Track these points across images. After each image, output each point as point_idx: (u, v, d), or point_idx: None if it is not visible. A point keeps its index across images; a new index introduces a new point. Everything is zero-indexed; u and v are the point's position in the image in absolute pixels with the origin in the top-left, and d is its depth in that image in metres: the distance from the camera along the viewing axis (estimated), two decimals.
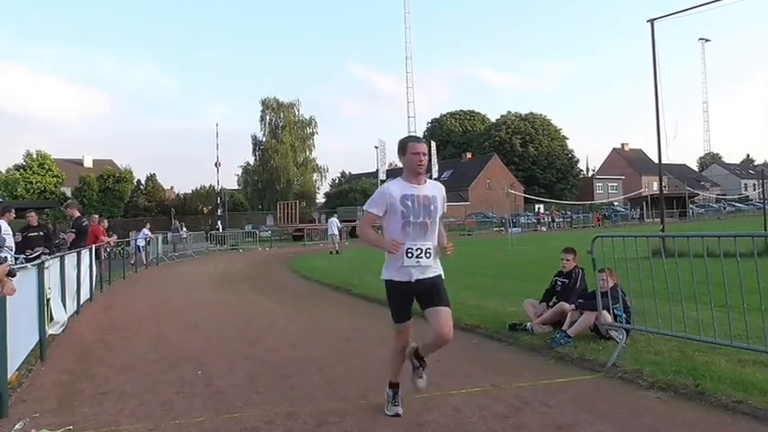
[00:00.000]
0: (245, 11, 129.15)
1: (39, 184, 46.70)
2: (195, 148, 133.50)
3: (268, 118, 64.71)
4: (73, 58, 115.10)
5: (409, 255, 3.94)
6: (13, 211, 9.52)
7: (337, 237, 28.02)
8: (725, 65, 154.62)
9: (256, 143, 64.92)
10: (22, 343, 5.58)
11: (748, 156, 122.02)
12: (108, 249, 15.34)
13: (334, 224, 28.30)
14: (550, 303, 6.78)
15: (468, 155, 73.31)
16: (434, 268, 4.07)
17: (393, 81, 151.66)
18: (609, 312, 5.74)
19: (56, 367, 6.13)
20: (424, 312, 4.05)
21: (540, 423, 3.99)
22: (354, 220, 43.58)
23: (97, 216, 17.47)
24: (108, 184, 49.90)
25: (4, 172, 48.57)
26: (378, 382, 5.05)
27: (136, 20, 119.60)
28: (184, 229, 35.92)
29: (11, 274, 4.47)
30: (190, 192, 67.66)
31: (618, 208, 67.83)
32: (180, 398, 4.86)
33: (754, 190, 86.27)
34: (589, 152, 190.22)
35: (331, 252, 25.88)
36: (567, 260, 6.84)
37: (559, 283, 6.82)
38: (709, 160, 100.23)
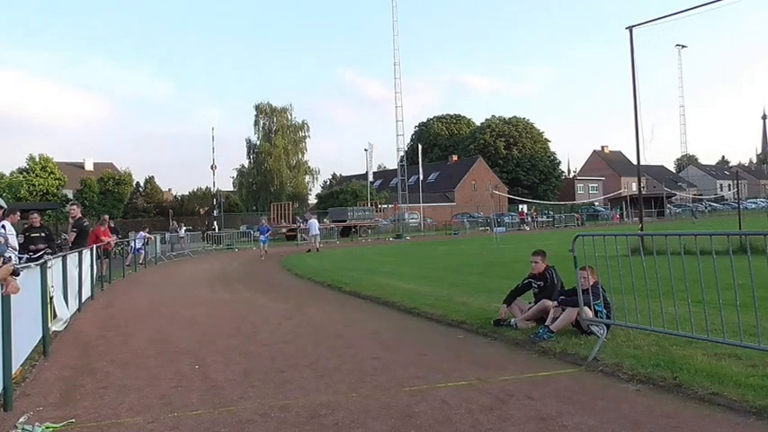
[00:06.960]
0: (240, 20, 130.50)
1: (41, 186, 46.72)
2: (192, 151, 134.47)
3: (262, 122, 64.65)
4: (74, 64, 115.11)
5: None
6: (18, 213, 9.67)
7: (318, 236, 29.47)
8: (701, 70, 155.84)
9: (251, 146, 64.89)
10: (26, 339, 5.72)
11: (723, 157, 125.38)
12: (109, 249, 15.51)
13: (315, 225, 29.73)
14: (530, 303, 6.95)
15: (454, 157, 73.70)
16: None
17: (382, 86, 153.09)
18: (590, 308, 5.87)
19: (58, 363, 6.25)
20: None
21: (524, 415, 4.11)
22: (345, 221, 43.85)
23: (107, 217, 17.73)
24: (108, 187, 50.02)
25: (7, 175, 48.64)
26: (368, 376, 5.24)
27: (135, 28, 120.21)
28: (183, 229, 35.98)
29: (15, 273, 4.61)
30: (187, 193, 68.49)
31: (598, 208, 68.46)
32: (178, 392, 4.99)
33: (729, 190, 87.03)
34: (570, 154, 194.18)
35: (309, 250, 27.27)
36: (536, 263, 6.95)
37: (535, 285, 6.97)
38: (686, 162, 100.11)
